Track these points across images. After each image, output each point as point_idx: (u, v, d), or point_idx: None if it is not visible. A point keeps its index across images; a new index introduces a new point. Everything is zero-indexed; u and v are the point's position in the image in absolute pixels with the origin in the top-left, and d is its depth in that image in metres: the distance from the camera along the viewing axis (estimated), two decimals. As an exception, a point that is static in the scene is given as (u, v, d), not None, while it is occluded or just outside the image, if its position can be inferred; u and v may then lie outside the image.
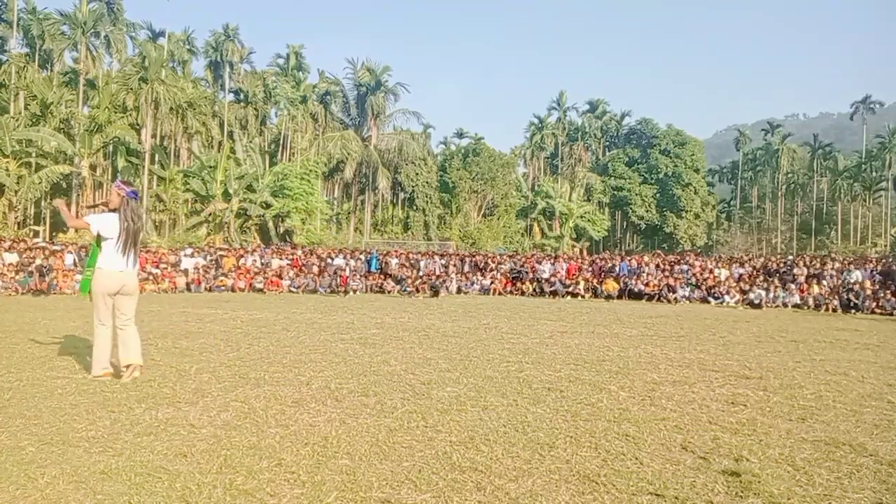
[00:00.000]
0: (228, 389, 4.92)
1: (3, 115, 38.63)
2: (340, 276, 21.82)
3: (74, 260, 20.55)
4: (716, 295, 20.02)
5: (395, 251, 27.50)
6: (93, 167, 41.58)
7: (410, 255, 25.92)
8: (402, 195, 52.90)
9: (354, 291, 21.21)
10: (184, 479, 2.92)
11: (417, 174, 50.18)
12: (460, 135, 63.05)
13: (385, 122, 51.12)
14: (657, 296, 20.25)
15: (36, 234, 37.41)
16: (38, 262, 19.15)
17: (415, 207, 50.81)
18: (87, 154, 39.96)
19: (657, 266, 23.21)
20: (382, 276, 23.02)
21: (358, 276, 22.51)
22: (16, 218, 36.63)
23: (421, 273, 23.05)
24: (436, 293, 20.43)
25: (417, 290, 20.89)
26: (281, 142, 50.87)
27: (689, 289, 20.83)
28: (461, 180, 51.69)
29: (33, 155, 37.19)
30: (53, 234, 38.74)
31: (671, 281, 21.11)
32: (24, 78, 42.30)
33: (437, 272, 23.32)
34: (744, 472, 3.15)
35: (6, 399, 4.45)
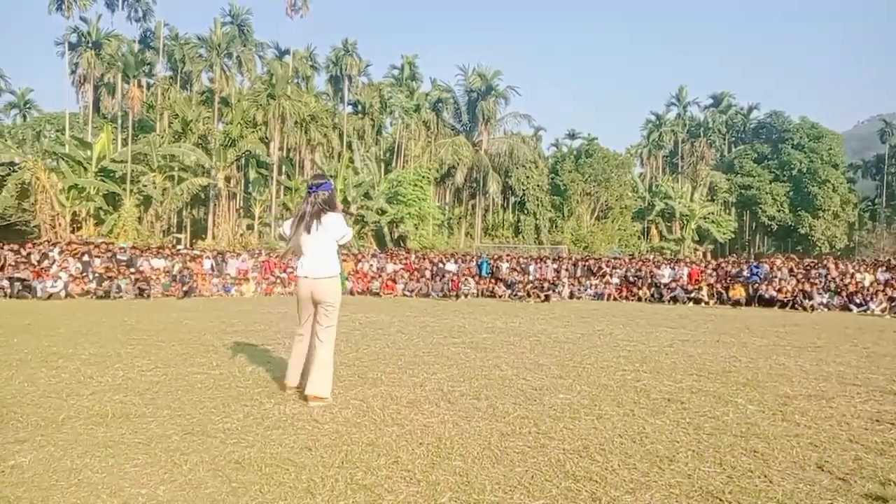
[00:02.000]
0: (348, 388, 5.16)
1: (150, 133, 43.09)
2: (452, 280, 22.13)
3: (212, 265, 22.40)
4: (858, 302, 18.20)
5: (507, 255, 27.48)
6: (227, 179, 45.21)
7: (521, 260, 25.79)
8: (512, 199, 52.75)
9: (466, 296, 21.43)
10: (309, 472, 3.10)
11: (528, 177, 49.82)
12: (572, 136, 61.82)
13: (496, 126, 51.33)
14: (791, 303, 18.73)
15: (178, 241, 41.23)
16: (180, 269, 21.10)
17: (525, 211, 50.47)
18: (223, 167, 43.53)
19: (790, 270, 21.49)
20: (493, 281, 23.09)
21: (469, 281, 22.72)
22: (161, 226, 40.59)
23: (532, 277, 22.87)
24: (547, 298, 20.18)
25: (528, 295, 20.73)
26: (395, 150, 52.52)
27: (827, 295, 19.09)
28: (573, 182, 50.66)
29: (176, 169, 41.13)
30: (193, 240, 42.54)
31: (807, 286, 19.45)
32: (168, 98, 46.94)
33: (549, 276, 23.03)
34: (892, 497, 2.85)
35: (154, 392, 4.94)
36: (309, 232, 4.65)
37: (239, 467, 3.17)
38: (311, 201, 4.71)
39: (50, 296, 17.41)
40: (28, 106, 59.26)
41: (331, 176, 43.25)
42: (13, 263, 18.80)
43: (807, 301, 18.45)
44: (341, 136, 50.24)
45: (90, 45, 45.78)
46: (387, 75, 56.91)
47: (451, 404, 4.62)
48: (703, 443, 3.71)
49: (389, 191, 44.04)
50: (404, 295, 21.63)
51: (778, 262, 23.18)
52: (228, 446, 3.51)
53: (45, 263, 19.17)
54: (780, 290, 19.52)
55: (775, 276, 20.89)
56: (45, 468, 3.10)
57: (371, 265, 24.28)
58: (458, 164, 47.73)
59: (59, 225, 34.13)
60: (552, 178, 51.85)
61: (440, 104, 52.04)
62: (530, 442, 3.67)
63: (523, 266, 24.35)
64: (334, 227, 4.73)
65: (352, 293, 21.54)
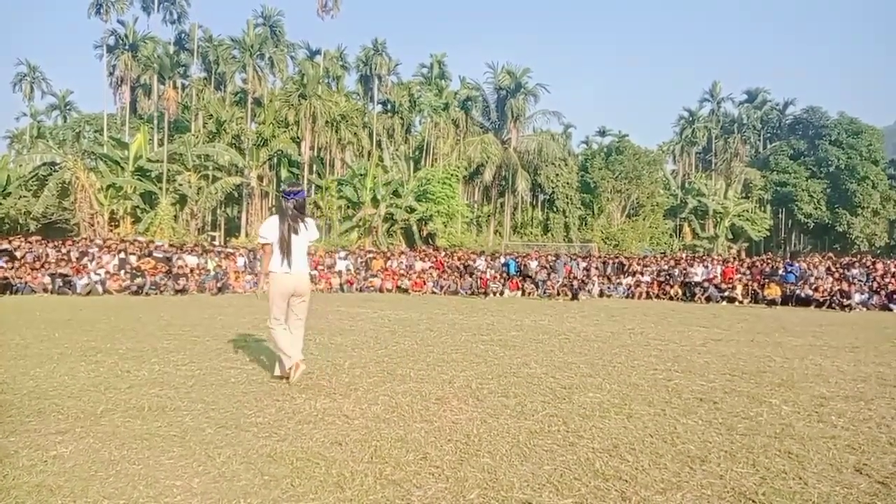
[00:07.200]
0: (377, 384, 5.20)
1: (185, 134, 43.97)
2: (481, 278, 22.10)
3: (245, 262, 22.77)
4: (902, 302, 17.64)
5: (535, 253, 27.33)
6: (260, 178, 45.90)
7: (550, 258, 25.62)
8: (541, 197, 52.41)
9: (494, 293, 21.38)
10: (339, 466, 3.14)
11: (557, 175, 49.43)
12: (603, 133, 61.10)
13: (525, 123, 50.97)
14: (828, 302, 18.25)
15: (213, 238, 41.99)
16: (216, 265, 21.50)
17: (555, 209, 50.09)
18: (256, 166, 44.22)
19: (827, 269, 20.93)
20: (522, 279, 22.98)
21: (498, 279, 22.65)
22: (196, 224, 41.39)
23: (560, 276, 22.68)
24: (575, 296, 20.01)
25: (557, 293, 20.59)
26: (424, 148, 52.57)
27: (866, 294, 18.55)
28: (603, 180, 50.06)
29: (210, 168, 41.89)
30: (227, 238, 43.30)
31: (845, 286, 18.92)
32: (203, 99, 47.79)
33: (578, 275, 22.82)
34: (936, 504, 2.76)
35: (189, 386, 5.05)
36: (297, 233, 5.19)
37: (271, 461, 3.22)
38: (292, 206, 5.25)
39: (89, 292, 17.91)
40: (68, 107, 61.12)
41: (361, 175, 43.57)
42: (55, 260, 19.39)
43: (844, 300, 17.96)
44: (371, 135, 50.53)
45: (127, 47, 46.87)
46: (416, 74, 57.03)
47: (480, 401, 4.62)
48: (736, 443, 3.65)
49: (418, 189, 44.11)
50: (433, 292, 21.68)
51: (814, 260, 22.60)
52: (261, 440, 3.57)
53: (85, 260, 19.71)
54: (816, 290, 19.04)
55: (811, 275, 20.39)
56: (84, 459, 3.20)
57: (400, 263, 24.40)
58: (486, 162, 47.57)
59: (98, 223, 35.07)
60: (582, 176, 51.34)
61: (469, 102, 51.91)
62: (559, 440, 3.66)
63: (552, 264, 24.18)
64: (312, 230, 5.37)
65: (381, 290, 21.67)
